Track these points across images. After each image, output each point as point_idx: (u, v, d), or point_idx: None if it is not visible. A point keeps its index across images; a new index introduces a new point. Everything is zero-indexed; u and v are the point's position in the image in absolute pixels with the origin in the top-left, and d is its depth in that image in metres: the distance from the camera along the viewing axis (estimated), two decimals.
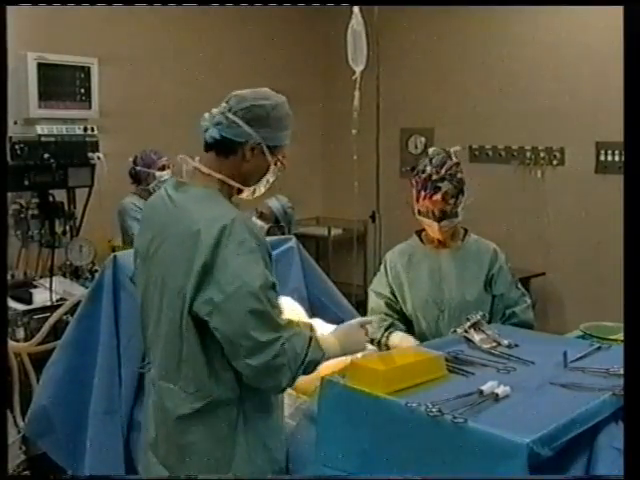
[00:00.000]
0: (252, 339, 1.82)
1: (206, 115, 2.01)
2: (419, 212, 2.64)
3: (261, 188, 2.10)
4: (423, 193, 2.58)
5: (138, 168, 4.55)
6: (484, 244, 2.76)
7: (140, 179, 4.56)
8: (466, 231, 2.79)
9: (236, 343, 1.84)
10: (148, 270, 2.04)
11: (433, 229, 2.64)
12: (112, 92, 4.65)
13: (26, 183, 4.19)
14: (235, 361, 1.88)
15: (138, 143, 4.88)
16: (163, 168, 4.52)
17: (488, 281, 2.68)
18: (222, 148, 1.99)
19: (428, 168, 2.59)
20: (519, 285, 2.73)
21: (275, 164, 2.05)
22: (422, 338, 2.74)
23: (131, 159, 4.58)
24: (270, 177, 2.08)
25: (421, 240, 2.81)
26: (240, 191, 2.08)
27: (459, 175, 2.60)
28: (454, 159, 2.60)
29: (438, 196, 2.55)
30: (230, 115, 1.97)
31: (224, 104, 2.00)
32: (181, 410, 1.96)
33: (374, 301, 2.88)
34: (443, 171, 2.56)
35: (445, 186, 2.56)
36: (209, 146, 2.01)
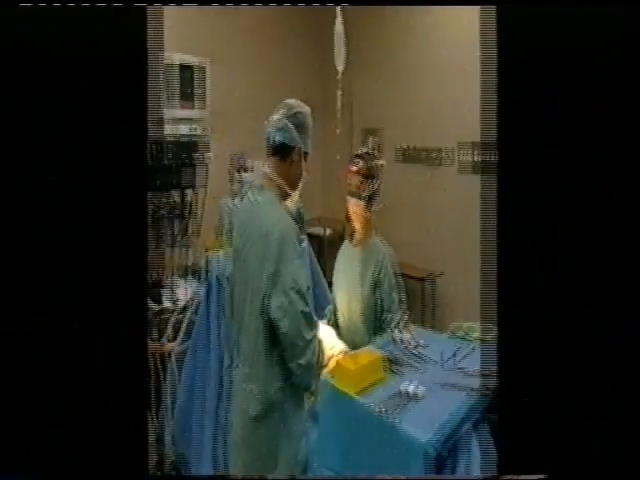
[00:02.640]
0: (303, 339, 1.97)
1: (266, 122, 2.14)
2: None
3: (297, 195, 2.20)
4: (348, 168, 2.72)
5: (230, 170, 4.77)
6: (379, 246, 2.74)
7: None
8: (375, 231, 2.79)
9: (294, 344, 1.98)
10: (238, 270, 2.15)
11: (349, 206, 2.72)
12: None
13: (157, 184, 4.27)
14: (291, 362, 2.00)
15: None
16: (239, 171, 4.68)
17: (375, 283, 2.69)
18: (281, 152, 2.13)
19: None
20: (399, 292, 2.69)
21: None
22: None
23: None
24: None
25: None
26: (285, 197, 2.17)
27: (373, 163, 2.67)
28: (376, 155, 2.71)
29: (354, 168, 2.67)
30: (286, 120, 2.11)
31: (281, 110, 2.13)
32: (252, 412, 2.08)
33: None
34: (360, 151, 2.70)
35: (360, 163, 2.65)
36: (273, 151, 2.13)
